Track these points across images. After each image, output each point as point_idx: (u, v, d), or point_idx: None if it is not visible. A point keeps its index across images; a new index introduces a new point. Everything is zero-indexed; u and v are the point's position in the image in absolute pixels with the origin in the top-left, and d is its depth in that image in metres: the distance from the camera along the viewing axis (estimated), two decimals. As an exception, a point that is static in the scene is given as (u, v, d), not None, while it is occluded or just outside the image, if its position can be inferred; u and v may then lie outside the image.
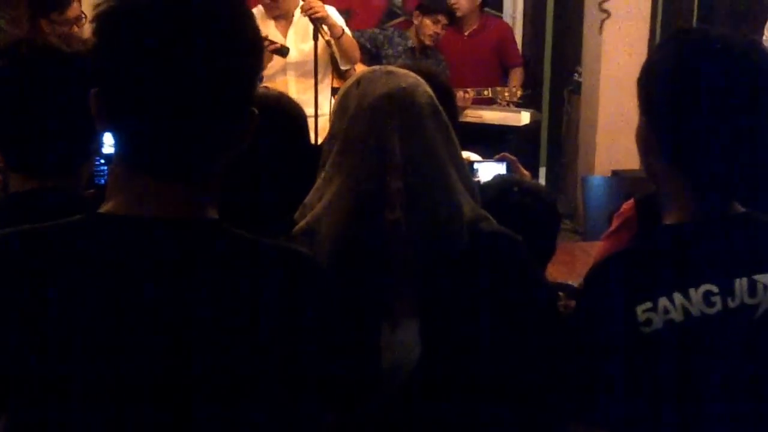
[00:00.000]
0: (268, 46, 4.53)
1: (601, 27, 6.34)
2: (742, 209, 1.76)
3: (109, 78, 1.33)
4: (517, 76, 6.38)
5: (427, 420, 1.85)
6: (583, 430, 1.72)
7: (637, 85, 1.76)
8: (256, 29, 1.39)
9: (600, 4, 6.27)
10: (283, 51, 4.69)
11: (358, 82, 1.89)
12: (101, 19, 1.33)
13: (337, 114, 1.90)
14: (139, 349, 1.31)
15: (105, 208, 1.38)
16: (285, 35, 4.89)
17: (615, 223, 3.14)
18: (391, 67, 1.93)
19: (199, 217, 1.38)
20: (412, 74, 1.91)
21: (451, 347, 1.85)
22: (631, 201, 2.89)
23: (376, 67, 1.95)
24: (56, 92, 1.84)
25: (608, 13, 6.24)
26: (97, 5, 1.35)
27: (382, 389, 1.83)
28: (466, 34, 6.33)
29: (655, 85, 1.73)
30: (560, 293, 2.61)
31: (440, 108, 1.89)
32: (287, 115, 2.16)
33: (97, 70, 1.34)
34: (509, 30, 6.63)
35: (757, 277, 1.69)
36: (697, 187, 1.71)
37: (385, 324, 1.82)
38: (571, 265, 3.30)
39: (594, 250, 2.78)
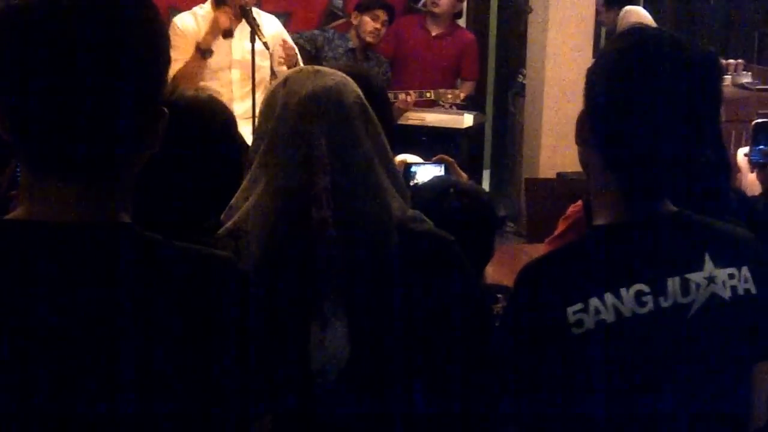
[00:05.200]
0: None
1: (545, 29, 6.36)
2: (673, 208, 1.75)
3: (4, 82, 1.29)
4: (466, 88, 6.39)
5: (357, 420, 1.84)
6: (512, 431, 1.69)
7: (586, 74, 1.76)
8: (160, 26, 1.37)
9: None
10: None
11: (284, 81, 1.88)
12: None
13: (264, 114, 1.89)
14: (46, 357, 1.28)
15: (13, 214, 1.35)
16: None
17: (561, 227, 3.15)
18: (318, 67, 1.92)
19: (110, 221, 1.35)
20: (340, 74, 1.90)
21: (380, 348, 1.84)
22: (579, 203, 2.89)
23: (304, 66, 1.94)
24: None
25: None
26: None
27: (312, 390, 1.81)
28: (433, 34, 6.36)
29: (594, 76, 1.73)
30: (499, 295, 2.60)
31: (369, 108, 1.88)
32: (215, 116, 2.13)
33: None
34: (474, 44, 6.64)
35: (689, 275, 1.69)
36: (628, 186, 1.70)
37: (314, 324, 1.80)
38: (512, 267, 3.28)
39: (537, 252, 2.77)
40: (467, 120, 6.07)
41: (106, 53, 1.27)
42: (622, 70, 1.68)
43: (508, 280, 2.84)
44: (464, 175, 3.24)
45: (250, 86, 4.63)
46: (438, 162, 3.30)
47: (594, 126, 1.72)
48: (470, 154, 6.61)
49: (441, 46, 6.35)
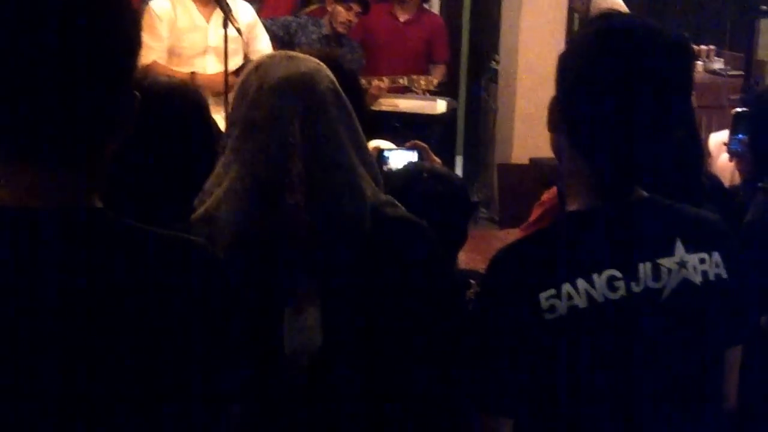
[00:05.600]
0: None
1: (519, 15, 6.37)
2: (645, 194, 1.76)
3: None
4: (438, 72, 6.40)
5: (329, 405, 1.84)
6: (486, 419, 1.70)
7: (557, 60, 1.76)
8: (130, 10, 1.36)
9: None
10: None
11: (257, 66, 1.87)
12: None
13: (237, 99, 1.88)
14: (17, 342, 1.27)
15: None
16: (208, 19, 4.90)
17: (536, 213, 3.16)
18: (291, 53, 1.93)
19: (82, 206, 1.34)
20: (313, 59, 1.90)
21: (353, 333, 1.84)
22: (553, 189, 2.90)
23: (277, 52, 1.93)
24: None
25: None
26: None
27: (285, 375, 1.81)
28: (402, 20, 6.36)
29: (566, 62, 1.73)
30: (472, 281, 2.60)
31: (342, 93, 1.88)
32: (188, 102, 2.12)
33: None
34: (443, 27, 6.67)
35: (660, 261, 1.69)
36: (600, 172, 1.70)
37: (288, 309, 1.80)
38: (486, 253, 3.29)
39: (510, 238, 2.78)
40: (440, 106, 6.07)
41: (74, 37, 1.26)
42: (593, 55, 1.68)
43: (481, 266, 2.85)
44: (437, 161, 3.25)
45: (224, 72, 4.61)
46: (411, 148, 3.30)
47: (566, 112, 1.72)
48: (443, 139, 6.62)
49: (410, 32, 6.36)
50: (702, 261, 1.72)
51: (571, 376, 1.66)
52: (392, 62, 6.11)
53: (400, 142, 3.46)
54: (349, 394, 1.85)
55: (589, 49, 1.70)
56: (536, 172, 5.45)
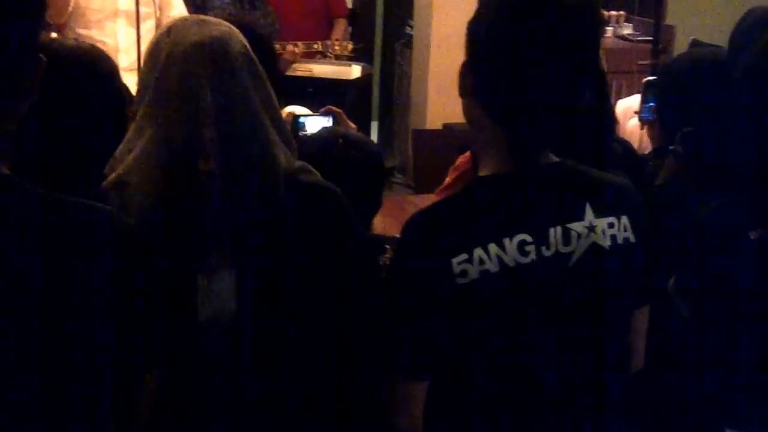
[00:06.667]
0: None
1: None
2: (555, 158, 1.77)
3: None
4: (340, 27, 6.32)
5: (245, 372, 1.84)
6: (400, 383, 1.70)
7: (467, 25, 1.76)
8: None
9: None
10: None
11: (168, 31, 1.85)
12: None
13: (148, 64, 1.86)
14: None
15: None
16: None
17: (450, 177, 3.17)
18: (203, 17, 1.90)
19: None
20: (225, 23, 1.89)
21: (267, 299, 1.84)
22: (468, 154, 2.91)
23: (188, 15, 1.91)
24: None
25: None
26: None
27: (199, 342, 1.81)
28: None
29: (475, 27, 1.73)
30: (387, 246, 2.61)
31: (255, 58, 1.87)
32: (97, 66, 2.08)
33: None
34: None
35: (570, 225, 1.71)
36: (511, 137, 1.71)
37: (201, 276, 1.79)
38: (400, 218, 3.29)
39: (424, 203, 2.79)
40: (355, 71, 6.05)
41: None
42: (502, 19, 1.69)
43: (396, 231, 2.85)
44: (353, 126, 3.25)
45: (135, 37, 4.53)
46: (326, 113, 3.30)
47: (476, 77, 1.73)
48: (358, 105, 6.60)
49: None
50: (611, 225, 1.74)
51: (483, 341, 1.67)
52: (293, 24, 6.02)
53: (315, 108, 3.45)
54: (265, 361, 1.85)
55: (497, 13, 1.70)
56: (451, 138, 5.46)
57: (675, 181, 2.45)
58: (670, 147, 2.49)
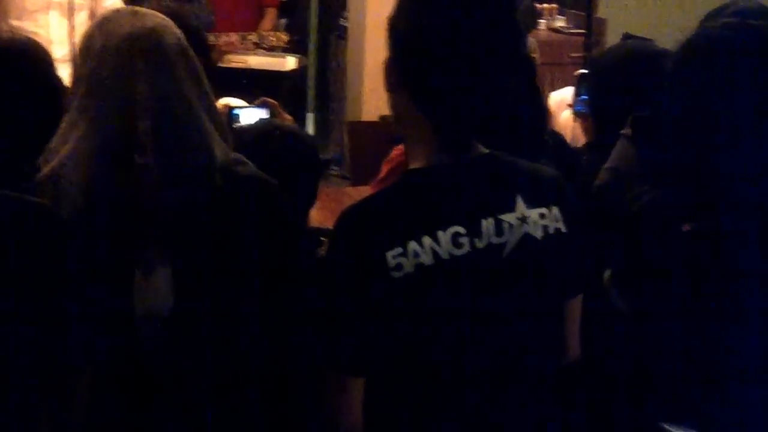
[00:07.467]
0: None
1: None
2: (485, 150, 1.77)
3: None
4: (270, 16, 6.29)
5: (181, 368, 1.83)
6: (336, 378, 1.71)
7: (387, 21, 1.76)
8: None
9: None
10: None
11: (101, 23, 1.85)
12: None
13: (82, 56, 1.86)
14: None
15: None
16: None
17: (384, 169, 3.18)
18: (136, 8, 1.89)
19: None
20: (160, 15, 1.88)
21: (204, 294, 1.83)
22: (401, 146, 2.92)
23: (121, 7, 1.90)
24: None
25: None
26: None
27: (136, 337, 1.79)
28: None
29: (396, 20, 1.74)
30: (323, 238, 2.62)
31: (190, 50, 1.86)
32: (31, 58, 2.06)
33: None
34: None
35: (502, 216, 1.72)
36: (439, 129, 1.71)
37: (138, 271, 1.78)
38: (336, 210, 3.30)
39: (360, 195, 2.80)
40: (290, 62, 6.02)
41: None
42: (419, 11, 1.69)
43: (332, 223, 2.87)
44: (288, 118, 3.24)
45: (69, 28, 4.47)
46: (262, 105, 3.29)
47: (401, 71, 1.73)
48: (294, 97, 6.58)
49: None
50: (542, 216, 1.75)
51: (419, 334, 1.68)
52: (227, 14, 5.98)
53: (251, 100, 3.44)
54: (201, 358, 1.84)
55: (414, 5, 1.71)
56: (386, 129, 5.46)
57: (625, 165, 2.45)
58: (622, 132, 2.50)
